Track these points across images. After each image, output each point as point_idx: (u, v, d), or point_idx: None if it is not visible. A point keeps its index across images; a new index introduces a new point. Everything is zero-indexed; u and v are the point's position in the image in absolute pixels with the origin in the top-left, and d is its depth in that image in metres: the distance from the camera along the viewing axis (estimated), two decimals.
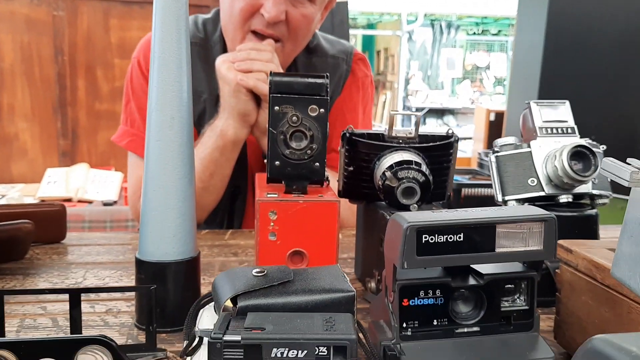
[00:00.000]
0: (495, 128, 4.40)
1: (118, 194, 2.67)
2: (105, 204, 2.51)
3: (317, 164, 0.67)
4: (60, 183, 2.64)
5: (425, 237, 0.46)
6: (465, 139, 6.51)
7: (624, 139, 3.67)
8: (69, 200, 2.59)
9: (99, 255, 0.86)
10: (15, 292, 0.58)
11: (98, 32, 2.90)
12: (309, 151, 0.67)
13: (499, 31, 10.26)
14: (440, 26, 9.80)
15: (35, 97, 2.91)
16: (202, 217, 1.07)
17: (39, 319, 0.64)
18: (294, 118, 0.65)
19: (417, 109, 9.11)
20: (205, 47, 1.10)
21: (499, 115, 4.39)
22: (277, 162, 0.67)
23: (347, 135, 0.72)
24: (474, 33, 10.32)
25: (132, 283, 0.76)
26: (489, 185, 2.78)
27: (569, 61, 3.59)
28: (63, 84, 2.91)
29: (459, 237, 0.47)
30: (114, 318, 0.65)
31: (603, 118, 3.41)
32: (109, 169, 2.91)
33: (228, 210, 1.11)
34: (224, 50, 1.09)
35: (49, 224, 0.88)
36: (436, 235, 0.47)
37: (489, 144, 4.45)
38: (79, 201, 2.60)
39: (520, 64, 3.89)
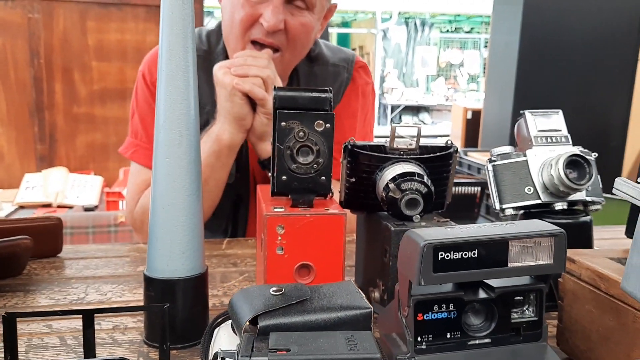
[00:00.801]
0: (472, 126, 4.46)
1: (99, 199, 2.64)
2: (87, 209, 2.47)
3: (324, 177, 0.68)
4: (38, 188, 2.60)
5: (441, 255, 0.48)
6: (440, 136, 6.58)
7: (597, 135, 3.76)
8: (48, 205, 2.55)
9: (98, 269, 0.85)
10: (29, 314, 0.58)
11: (75, 34, 2.85)
12: (315, 165, 0.67)
13: (472, 29, 10.39)
14: (415, 24, 9.88)
15: (10, 101, 2.85)
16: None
17: (46, 338, 0.63)
18: (301, 133, 0.66)
19: (393, 107, 9.17)
20: (209, 59, 1.10)
21: (476, 114, 4.45)
22: (284, 177, 0.67)
23: (349, 147, 0.73)
24: (447, 31, 10.43)
25: (135, 297, 0.76)
26: (469, 184, 2.83)
27: (544, 59, 3.66)
28: (39, 88, 2.86)
29: (473, 254, 0.48)
30: (122, 335, 0.65)
31: (578, 115, 3.49)
32: (88, 173, 2.87)
33: (232, 219, 1.11)
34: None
35: (46, 238, 0.87)
36: (452, 252, 0.48)
37: (467, 142, 4.51)
38: (59, 206, 2.57)
39: (495, 63, 3.95)
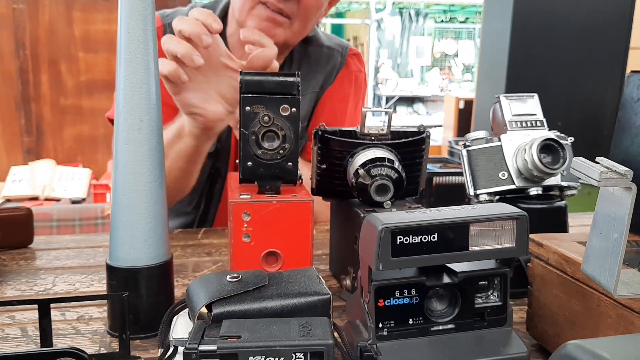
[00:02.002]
0: (464, 116, 4.45)
1: (86, 191, 2.62)
2: (74, 202, 2.46)
3: (290, 163, 0.67)
4: (25, 181, 2.58)
5: (400, 239, 0.46)
6: (435, 126, 6.57)
7: (589, 124, 3.76)
8: (35, 198, 2.53)
9: (69, 260, 0.84)
10: None
11: (61, 25, 2.82)
12: (281, 151, 0.66)
13: (467, 19, 10.36)
14: (409, 14, 9.84)
15: None
16: (176, 199, 1.04)
17: (7, 329, 0.62)
18: (266, 118, 0.64)
19: (387, 98, 9.15)
20: None
21: (468, 103, 4.44)
22: (249, 163, 0.66)
23: (319, 133, 0.71)
24: (442, 21, 10.40)
25: (104, 288, 0.74)
26: (460, 174, 2.81)
27: (535, 48, 3.65)
28: (25, 79, 2.84)
29: (433, 237, 0.47)
30: (85, 325, 0.64)
31: (569, 104, 3.48)
32: (76, 166, 2.85)
33: (207, 194, 1.09)
34: (221, 33, 1.07)
35: (15, 228, 0.85)
36: (410, 236, 0.47)
37: (459, 132, 4.50)
38: (46, 199, 2.55)
39: (487, 52, 3.93)
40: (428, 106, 9.56)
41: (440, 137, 5.13)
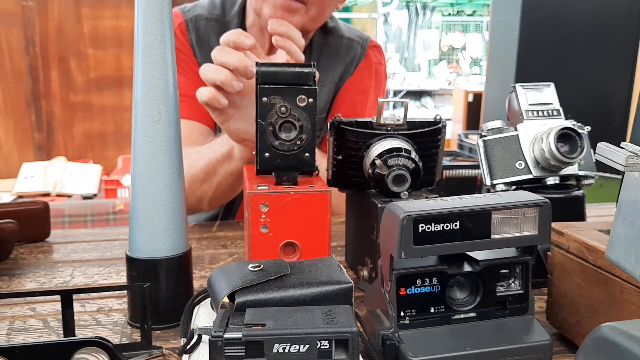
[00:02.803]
0: (473, 109, 4.43)
1: (97, 187, 2.63)
2: (85, 198, 2.47)
3: (307, 154, 0.67)
4: (37, 178, 2.60)
5: (422, 227, 0.46)
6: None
7: (600, 117, 3.73)
8: (47, 194, 2.55)
9: (86, 253, 0.85)
10: (5, 295, 0.57)
11: (70, 22, 2.83)
12: (298, 142, 0.66)
13: (474, 11, 10.29)
14: (416, 8, 9.79)
15: (7, 91, 2.84)
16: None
17: (29, 321, 0.63)
18: (283, 109, 0.64)
19: (395, 92, 9.13)
20: (222, 22, 1.08)
21: (477, 96, 4.42)
22: (266, 154, 0.66)
23: (335, 123, 0.71)
24: (449, 14, 10.33)
25: (121, 279, 0.75)
26: (470, 167, 2.81)
27: (545, 40, 3.62)
28: (36, 76, 2.85)
29: (455, 225, 0.47)
30: (105, 316, 0.64)
31: (579, 96, 3.45)
32: (86, 162, 2.87)
33: None
34: (241, 25, 1.08)
35: (33, 222, 0.86)
36: (432, 224, 0.47)
37: (468, 126, 4.48)
38: (58, 195, 2.56)
39: (496, 44, 3.91)
40: (436, 100, 9.52)
41: (450, 131, 5.11)
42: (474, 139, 3.44)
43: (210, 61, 0.80)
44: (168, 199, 0.60)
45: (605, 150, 0.39)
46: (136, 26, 0.59)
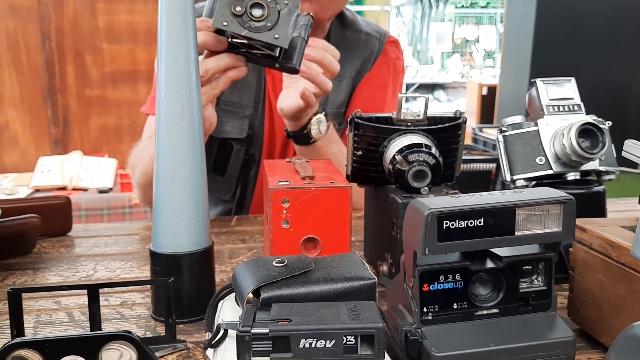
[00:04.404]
0: (487, 102, 4.41)
1: (113, 181, 2.65)
2: (101, 191, 2.49)
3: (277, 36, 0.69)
4: (53, 172, 2.62)
5: (446, 223, 0.47)
6: None
7: (616, 110, 3.69)
8: (63, 188, 2.57)
9: (107, 247, 0.86)
10: (33, 289, 0.58)
11: (85, 16, 2.85)
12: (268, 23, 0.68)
13: (488, 3, 10.19)
14: (429, 0, 9.71)
15: (24, 85, 2.87)
16: None
17: (54, 314, 0.64)
18: None
19: (408, 85, 9.08)
20: None
21: (491, 90, 4.39)
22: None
23: (355, 119, 0.71)
24: (463, 6, 10.24)
25: (143, 273, 0.76)
26: (484, 161, 2.79)
27: (560, 33, 3.58)
28: (52, 71, 2.87)
29: (479, 222, 0.47)
30: (129, 310, 0.65)
31: (595, 89, 3.42)
32: (102, 156, 2.89)
33: (242, 180, 1.10)
34: None
35: (55, 217, 0.87)
36: (457, 221, 0.47)
37: (482, 119, 4.45)
38: (74, 189, 2.59)
39: (511, 36, 3.88)
40: (449, 93, 9.46)
41: None
42: (488, 132, 3.42)
43: None
44: (191, 194, 0.61)
45: (632, 147, 0.39)
46: (160, 23, 0.59)
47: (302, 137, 0.94)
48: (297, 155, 0.98)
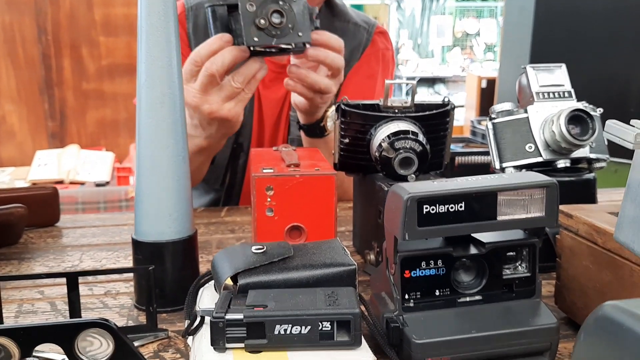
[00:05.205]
0: (487, 95, 4.39)
1: (110, 174, 2.65)
2: (98, 185, 2.49)
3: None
4: (50, 165, 2.62)
5: (426, 208, 0.46)
6: (457, 107, 6.47)
7: (616, 102, 3.67)
8: (60, 182, 2.57)
9: (95, 237, 0.85)
10: (12, 277, 0.57)
11: (81, 9, 2.84)
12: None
13: None
14: None
15: (20, 79, 2.86)
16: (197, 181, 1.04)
17: (37, 304, 0.63)
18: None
19: (408, 79, 9.06)
20: (223, 6, 1.08)
21: (491, 82, 4.37)
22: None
23: (342, 106, 0.71)
24: None
25: (129, 264, 0.75)
26: (483, 153, 2.78)
27: (560, 25, 3.56)
28: (48, 64, 2.86)
29: (460, 207, 0.46)
30: (113, 300, 0.64)
31: (595, 81, 3.39)
32: (99, 149, 2.88)
33: (230, 169, 1.10)
34: None
35: (42, 207, 0.86)
36: (437, 205, 0.46)
37: (482, 112, 4.44)
38: (71, 183, 2.59)
39: (511, 29, 3.86)
40: (449, 86, 9.43)
41: (463, 117, 5.07)
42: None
43: None
44: (173, 182, 0.60)
45: (614, 128, 0.38)
46: (139, 7, 0.58)
47: (318, 129, 0.95)
48: (306, 147, 0.98)
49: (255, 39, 0.74)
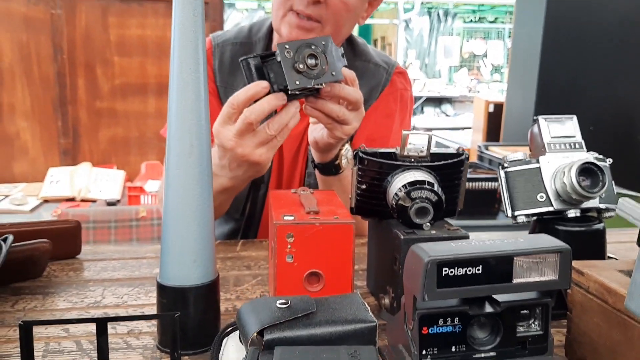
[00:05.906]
0: (494, 119, 4.42)
1: (121, 193, 2.68)
2: (109, 204, 2.52)
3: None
4: (63, 182, 2.65)
5: (445, 270, 0.48)
6: (463, 128, 6.50)
7: (623, 128, 3.69)
8: (72, 199, 2.60)
9: (115, 271, 0.87)
10: (44, 322, 0.60)
11: (97, 30, 2.89)
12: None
13: (496, 18, 10.23)
14: (438, 14, 9.77)
15: (35, 96, 2.91)
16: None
17: (63, 342, 0.65)
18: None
19: (415, 99, 9.09)
20: (248, 44, 1.13)
21: (498, 107, 4.40)
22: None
23: (360, 153, 0.73)
24: (471, 21, 10.29)
25: (150, 300, 0.77)
26: (490, 179, 2.77)
27: (568, 52, 3.59)
28: (63, 83, 2.91)
29: (478, 270, 0.48)
30: (136, 340, 0.67)
31: (602, 106, 3.42)
32: (110, 167, 2.92)
33: (251, 200, 1.12)
34: (267, 47, 1.12)
35: (65, 240, 0.89)
36: (456, 268, 0.48)
37: (489, 136, 4.46)
38: (83, 200, 2.62)
39: (519, 55, 3.89)
40: (456, 107, 9.47)
41: (469, 140, 5.09)
42: (494, 150, 3.43)
43: (228, 83, 0.95)
44: (198, 229, 0.63)
45: (627, 207, 0.41)
46: (171, 62, 0.61)
47: (333, 167, 0.98)
48: (320, 185, 1.01)
49: (297, 82, 0.78)
